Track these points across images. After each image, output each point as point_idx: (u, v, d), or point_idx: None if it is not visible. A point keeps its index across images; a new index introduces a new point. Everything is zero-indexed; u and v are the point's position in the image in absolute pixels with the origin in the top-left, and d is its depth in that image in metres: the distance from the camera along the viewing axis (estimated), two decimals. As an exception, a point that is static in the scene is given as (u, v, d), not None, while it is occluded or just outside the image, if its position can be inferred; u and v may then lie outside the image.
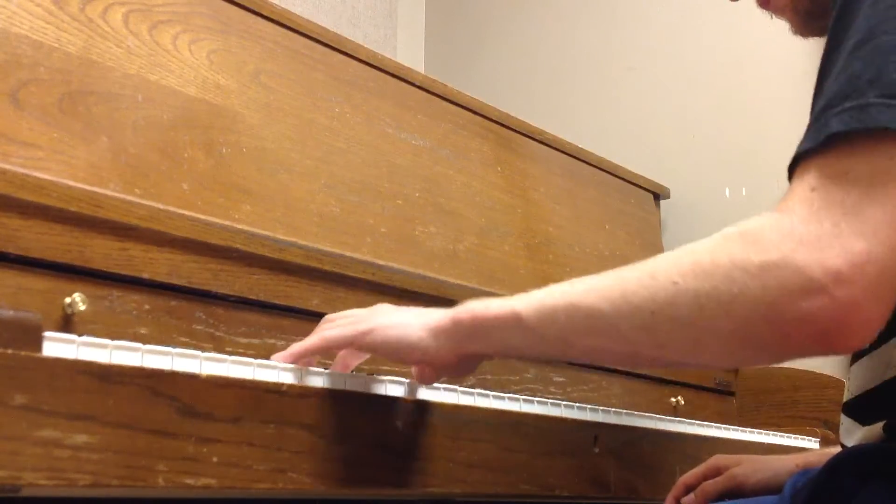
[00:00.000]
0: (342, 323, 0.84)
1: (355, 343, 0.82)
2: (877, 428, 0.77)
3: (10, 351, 0.57)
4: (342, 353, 0.89)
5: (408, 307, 0.84)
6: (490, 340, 0.77)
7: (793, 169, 0.66)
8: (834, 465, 0.75)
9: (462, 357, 0.80)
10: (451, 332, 0.78)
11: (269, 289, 1.03)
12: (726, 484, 1.09)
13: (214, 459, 0.66)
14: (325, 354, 0.86)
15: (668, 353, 0.68)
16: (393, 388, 0.84)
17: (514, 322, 0.74)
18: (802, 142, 0.65)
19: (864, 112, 0.61)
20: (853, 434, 0.81)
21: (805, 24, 0.86)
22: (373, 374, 0.86)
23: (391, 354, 0.82)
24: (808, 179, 0.63)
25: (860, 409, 0.80)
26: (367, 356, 0.88)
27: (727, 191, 2.13)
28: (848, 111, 0.62)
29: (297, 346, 0.83)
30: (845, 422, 0.83)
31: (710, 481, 1.10)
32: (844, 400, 0.83)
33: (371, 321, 0.82)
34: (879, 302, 0.60)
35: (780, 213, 0.63)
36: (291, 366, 0.79)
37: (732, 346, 0.64)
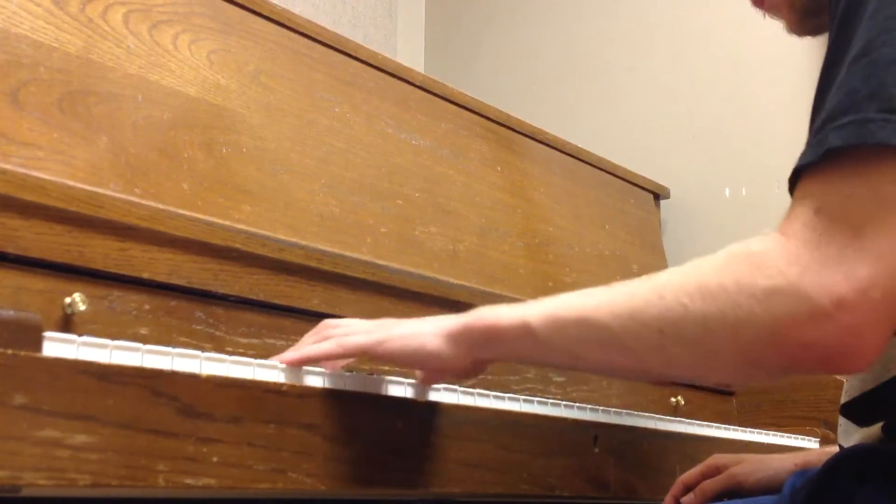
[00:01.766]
0: (356, 330, 0.84)
1: (371, 351, 0.82)
2: (875, 429, 0.77)
3: (10, 351, 0.57)
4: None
5: (413, 319, 0.85)
6: (501, 348, 0.78)
7: (794, 182, 0.66)
8: (832, 465, 0.75)
9: (475, 362, 0.81)
10: (464, 338, 0.79)
11: (269, 289, 1.03)
12: (725, 483, 1.09)
13: (214, 459, 0.66)
14: (337, 360, 0.85)
15: (676, 370, 0.70)
16: (393, 388, 0.84)
17: (525, 332, 0.75)
18: (802, 155, 0.65)
19: (863, 127, 0.61)
20: (851, 435, 0.81)
21: (802, 23, 0.86)
22: (372, 375, 0.86)
23: (408, 362, 0.83)
24: (812, 200, 0.63)
25: (858, 410, 0.81)
26: (353, 358, 0.88)
27: (727, 191, 2.13)
28: (847, 126, 0.62)
29: (311, 350, 0.82)
30: (843, 423, 0.83)
31: (710, 480, 1.10)
32: (842, 402, 0.83)
33: (386, 330, 0.83)
34: (883, 325, 0.61)
35: (784, 237, 0.63)
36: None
37: (739, 367, 0.66)
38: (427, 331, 0.81)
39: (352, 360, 0.88)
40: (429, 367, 0.83)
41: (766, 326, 0.62)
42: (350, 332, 0.84)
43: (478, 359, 0.81)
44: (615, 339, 0.69)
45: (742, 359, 0.64)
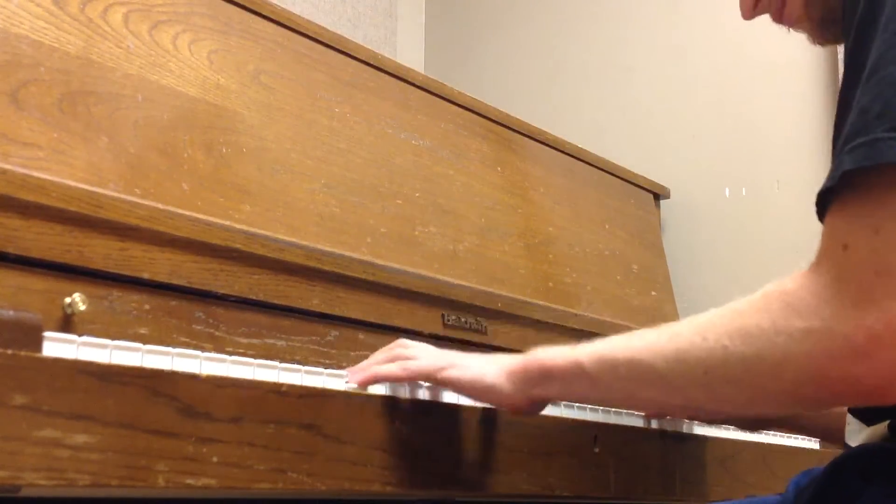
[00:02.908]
0: (424, 356, 0.88)
1: (433, 377, 0.86)
2: (881, 427, 0.77)
3: (10, 351, 0.57)
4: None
5: (476, 354, 0.89)
6: (556, 387, 0.82)
7: (821, 207, 0.67)
8: (838, 465, 0.75)
9: (533, 400, 0.85)
10: (522, 377, 0.83)
11: (269, 289, 1.03)
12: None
13: (214, 459, 0.66)
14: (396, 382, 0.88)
15: (724, 406, 0.75)
16: (393, 388, 0.84)
17: (578, 372, 0.79)
18: (826, 180, 0.66)
19: (873, 148, 0.62)
20: (859, 435, 0.81)
21: (821, 32, 0.87)
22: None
23: (467, 392, 0.86)
24: (839, 235, 0.65)
25: (865, 409, 0.81)
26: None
27: (727, 191, 2.13)
28: (859, 148, 0.63)
29: (379, 371, 0.86)
30: (851, 422, 0.83)
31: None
32: None
33: (451, 358, 0.87)
34: None
35: (816, 275, 0.65)
36: (292, 366, 0.79)
37: (783, 402, 0.70)
38: (489, 365, 0.85)
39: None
40: (487, 399, 0.86)
41: (806, 366, 0.64)
42: (417, 356, 0.88)
43: (535, 397, 0.84)
44: (663, 379, 0.72)
45: (785, 396, 0.67)
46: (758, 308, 0.67)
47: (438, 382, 0.87)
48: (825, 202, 0.66)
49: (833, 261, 0.64)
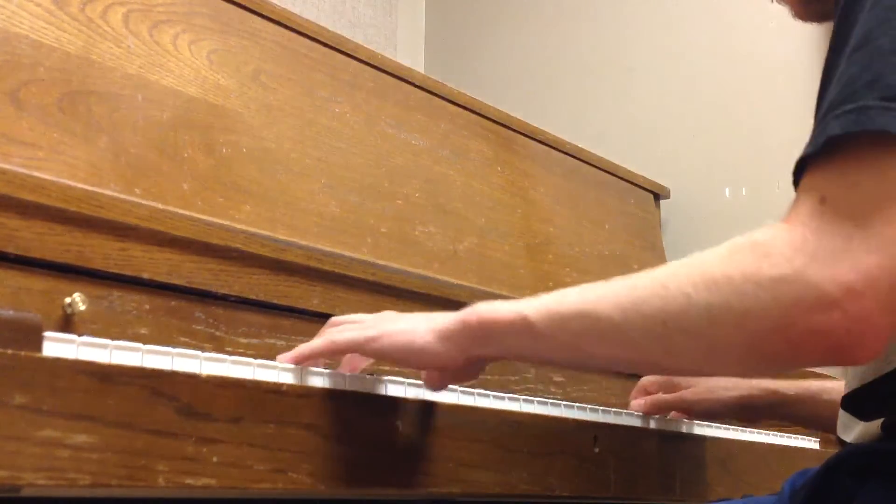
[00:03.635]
0: (350, 327, 0.83)
1: (362, 348, 0.81)
2: (875, 425, 0.77)
3: (10, 351, 0.57)
4: (349, 355, 0.88)
5: (415, 313, 0.83)
6: (498, 344, 0.77)
7: (798, 175, 0.66)
8: (832, 465, 0.76)
9: (469, 360, 0.80)
10: (458, 335, 0.78)
11: (269, 289, 1.03)
12: (677, 404, 1.18)
13: (214, 459, 0.66)
14: (330, 357, 0.85)
15: (680, 361, 0.69)
16: (393, 388, 0.84)
17: (524, 327, 0.74)
18: (805, 147, 0.65)
19: (862, 115, 0.61)
20: (851, 429, 0.81)
21: (805, 7, 0.87)
22: (373, 375, 0.86)
23: (399, 359, 0.82)
24: (817, 190, 0.63)
25: (858, 402, 0.81)
26: (373, 360, 0.87)
27: (727, 191, 2.13)
28: (847, 114, 0.62)
29: (304, 348, 0.82)
30: (843, 416, 0.83)
31: (665, 396, 1.18)
32: (843, 393, 0.83)
33: (379, 327, 0.81)
34: (891, 314, 0.61)
35: (790, 225, 0.63)
36: (291, 366, 0.79)
37: (745, 357, 0.65)
38: (419, 327, 0.80)
39: (370, 361, 0.88)
40: (419, 364, 0.81)
41: (773, 315, 0.61)
42: (343, 329, 0.83)
43: (473, 356, 0.79)
44: (617, 330, 0.69)
45: (747, 350, 0.64)
46: (725, 257, 0.65)
47: (368, 355, 0.83)
48: (804, 165, 0.65)
49: (810, 212, 0.62)
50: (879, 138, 0.61)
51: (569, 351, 0.74)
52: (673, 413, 1.21)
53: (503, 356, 0.81)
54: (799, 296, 0.61)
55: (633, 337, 0.68)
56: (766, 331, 0.62)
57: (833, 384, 1.21)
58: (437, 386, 0.83)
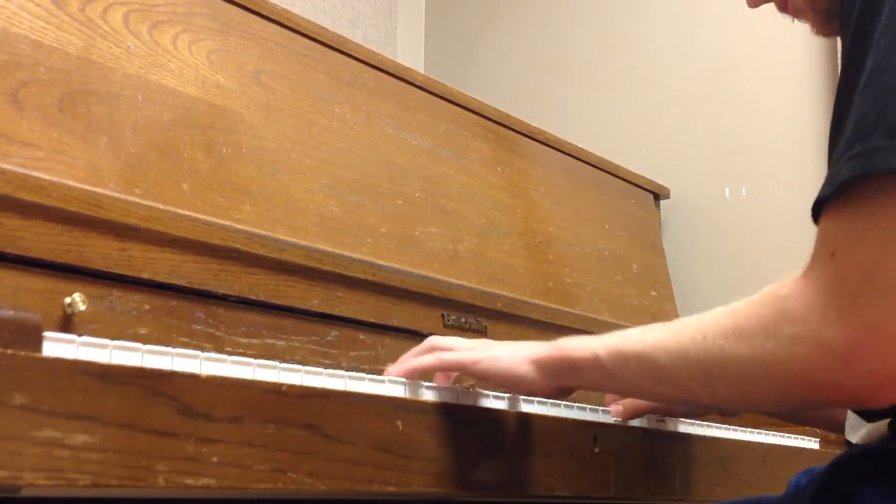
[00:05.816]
0: (457, 347, 0.91)
1: (467, 369, 0.89)
2: (881, 426, 0.77)
3: (10, 351, 0.57)
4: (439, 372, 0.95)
5: (510, 342, 0.91)
6: (579, 378, 0.84)
7: (816, 214, 0.68)
8: (838, 465, 0.76)
9: (561, 388, 0.87)
10: (550, 367, 0.85)
11: (269, 289, 1.03)
12: (652, 407, 1.18)
13: (214, 459, 0.66)
14: (430, 373, 0.92)
15: (722, 402, 0.75)
16: (393, 387, 0.84)
17: (595, 363, 0.81)
18: (822, 187, 0.67)
19: (871, 157, 0.62)
20: (858, 430, 0.81)
21: (825, 24, 0.87)
22: (373, 375, 0.86)
23: (498, 382, 0.89)
24: (829, 243, 0.66)
25: None
26: (454, 373, 0.94)
27: (727, 191, 2.13)
28: (857, 157, 0.63)
29: (414, 363, 0.89)
30: (851, 417, 0.84)
31: (640, 401, 1.18)
32: None
33: (482, 351, 0.89)
34: None
35: (805, 282, 0.66)
36: (292, 366, 0.79)
37: (779, 402, 0.73)
38: (519, 355, 0.87)
39: (455, 374, 0.95)
40: (517, 390, 0.89)
41: (794, 370, 0.66)
42: (451, 348, 0.91)
43: (563, 386, 0.87)
44: (668, 375, 0.75)
45: (780, 396, 0.69)
46: (753, 310, 0.69)
47: (471, 374, 0.90)
48: (820, 208, 0.67)
49: (822, 268, 0.65)
50: (885, 178, 0.62)
51: (634, 388, 0.82)
52: (652, 414, 1.20)
53: (587, 388, 0.89)
54: (814, 353, 0.64)
55: (681, 381, 0.74)
56: (790, 381, 0.66)
57: None
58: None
